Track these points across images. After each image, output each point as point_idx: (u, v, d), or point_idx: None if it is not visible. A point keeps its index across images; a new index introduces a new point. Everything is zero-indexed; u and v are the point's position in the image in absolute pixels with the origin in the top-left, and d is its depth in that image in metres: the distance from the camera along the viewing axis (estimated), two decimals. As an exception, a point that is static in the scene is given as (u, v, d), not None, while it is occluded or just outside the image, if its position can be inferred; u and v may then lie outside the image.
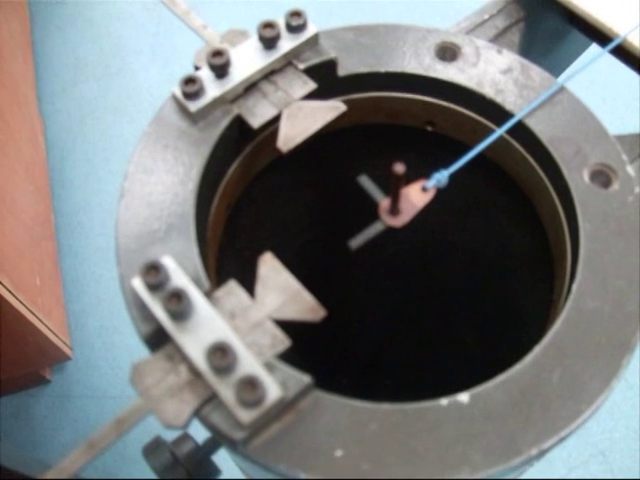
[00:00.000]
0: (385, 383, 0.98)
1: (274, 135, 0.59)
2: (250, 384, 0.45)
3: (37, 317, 1.52)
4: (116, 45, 2.26)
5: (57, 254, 1.86)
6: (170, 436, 0.62)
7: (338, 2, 2.28)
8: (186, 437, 0.63)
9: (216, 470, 0.65)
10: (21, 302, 1.46)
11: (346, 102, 0.61)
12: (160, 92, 2.08)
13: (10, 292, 1.41)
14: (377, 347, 0.99)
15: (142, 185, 0.56)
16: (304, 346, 0.56)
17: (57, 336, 1.63)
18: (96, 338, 1.78)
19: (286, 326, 0.49)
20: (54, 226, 1.90)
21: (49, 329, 1.59)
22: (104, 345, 1.77)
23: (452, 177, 0.55)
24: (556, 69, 0.87)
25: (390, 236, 0.54)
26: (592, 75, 0.65)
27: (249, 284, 0.51)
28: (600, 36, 0.74)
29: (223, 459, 0.66)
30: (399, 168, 0.49)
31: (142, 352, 0.49)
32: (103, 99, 2.15)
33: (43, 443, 1.68)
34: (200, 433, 0.56)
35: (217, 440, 0.60)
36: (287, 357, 0.48)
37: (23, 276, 1.53)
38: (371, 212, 0.54)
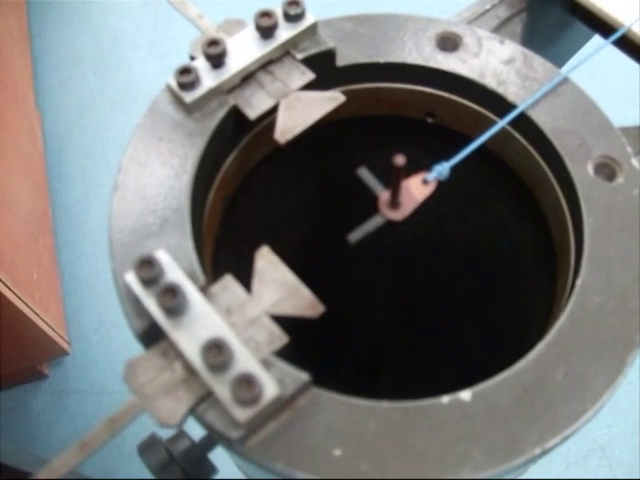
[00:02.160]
0: (384, 378, 0.97)
1: (271, 126, 0.58)
2: (246, 382, 0.44)
3: (34, 312, 1.52)
4: (113, 39, 2.25)
5: (55, 248, 1.86)
6: (166, 433, 0.62)
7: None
8: (182, 435, 0.62)
9: (212, 468, 0.65)
10: (18, 297, 1.45)
11: (345, 93, 0.60)
12: (158, 86, 2.04)
13: (7, 286, 1.40)
14: (376, 342, 0.99)
15: (136, 178, 0.55)
16: (302, 340, 0.55)
17: (55, 331, 1.63)
18: (94, 333, 1.77)
19: (283, 320, 0.48)
20: (52, 220, 1.89)
21: (46, 324, 1.58)
22: (102, 340, 1.76)
23: (453, 169, 0.54)
24: (558, 60, 0.86)
25: (390, 229, 0.53)
26: (595, 67, 0.64)
27: (246, 278, 0.50)
28: (603, 27, 0.73)
29: (220, 457, 0.65)
30: (399, 160, 0.48)
31: (140, 347, 0.49)
32: (100, 93, 2.14)
33: (40, 438, 1.68)
34: (197, 430, 0.55)
35: (213, 438, 0.59)
36: (284, 351, 0.47)
37: (20, 270, 1.53)
38: (371, 204, 0.53)
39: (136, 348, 0.48)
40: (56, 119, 2.11)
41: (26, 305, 1.48)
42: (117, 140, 2.03)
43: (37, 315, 1.53)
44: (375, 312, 0.94)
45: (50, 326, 1.60)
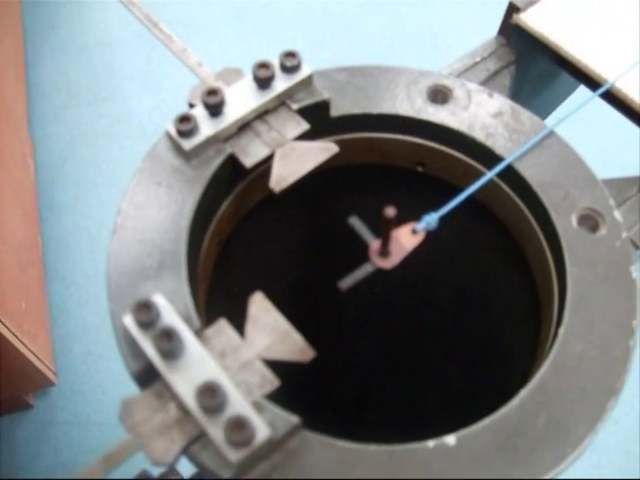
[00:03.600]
0: (370, 418, 0.98)
1: (266, 173, 0.60)
2: (239, 424, 0.45)
3: (22, 342, 1.51)
4: (108, 71, 2.26)
5: (43, 278, 1.86)
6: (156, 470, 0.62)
7: (328, 37, 2.30)
8: (173, 472, 0.63)
9: (202, 506, 0.65)
10: (6, 326, 1.45)
11: (338, 142, 0.62)
12: (151, 119, 2.08)
13: (-5, 316, 1.40)
14: (364, 382, 1.00)
15: (134, 221, 0.57)
16: (291, 380, 0.56)
17: (41, 361, 1.62)
18: (81, 364, 1.77)
19: (273, 361, 0.50)
20: (41, 250, 1.89)
21: (34, 354, 1.57)
22: (89, 371, 1.76)
23: (441, 218, 0.56)
24: (545, 110, 0.88)
25: (379, 275, 0.54)
26: (580, 116, 0.66)
27: (238, 319, 0.52)
28: (589, 79, 0.75)
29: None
30: (390, 212, 0.49)
31: (127, 379, 0.50)
32: (94, 124, 2.15)
33: (25, 468, 1.67)
34: (186, 468, 0.56)
35: (204, 477, 0.60)
36: (273, 391, 0.49)
37: (9, 300, 1.52)
38: (360, 250, 0.54)
39: (122, 380, 0.50)
40: (48, 148, 2.11)
41: (13, 335, 1.48)
42: (109, 172, 2.03)
43: (24, 345, 1.53)
44: (363, 354, 0.95)
45: (37, 356, 1.59)
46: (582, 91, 0.78)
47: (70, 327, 1.82)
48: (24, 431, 1.72)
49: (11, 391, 1.64)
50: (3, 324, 1.44)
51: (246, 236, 0.69)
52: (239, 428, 0.45)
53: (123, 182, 0.57)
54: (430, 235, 0.56)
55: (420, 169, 0.68)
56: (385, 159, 0.68)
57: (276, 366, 0.50)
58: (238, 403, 0.46)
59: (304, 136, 0.60)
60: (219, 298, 0.66)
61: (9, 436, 1.71)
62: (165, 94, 2.17)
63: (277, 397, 0.49)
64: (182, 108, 0.59)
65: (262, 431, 0.45)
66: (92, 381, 1.75)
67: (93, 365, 1.76)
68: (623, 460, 1.61)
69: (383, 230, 0.52)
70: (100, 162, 2.07)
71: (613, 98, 0.72)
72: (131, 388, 0.50)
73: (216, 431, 0.46)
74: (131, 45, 2.31)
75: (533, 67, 0.80)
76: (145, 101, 2.18)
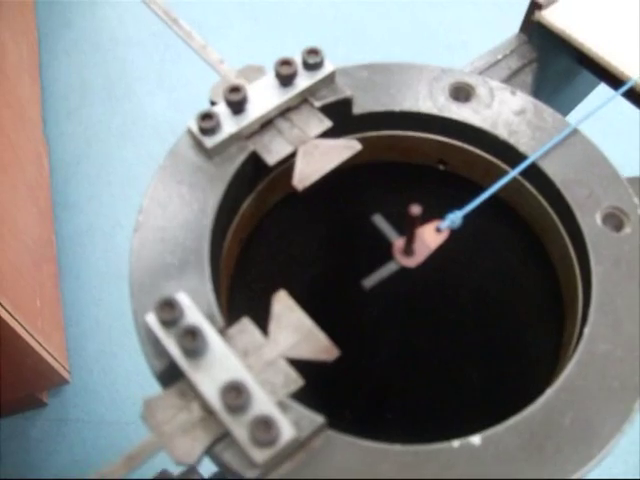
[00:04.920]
0: (388, 418, 0.98)
1: (288, 171, 0.60)
2: (264, 423, 0.45)
3: (36, 340, 1.51)
4: (122, 70, 2.27)
5: (58, 277, 1.86)
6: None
7: (343, 36, 2.30)
8: (193, 471, 0.63)
9: (222, 506, 0.65)
10: (20, 324, 1.45)
11: (360, 140, 0.62)
12: (165, 118, 2.09)
13: (10, 314, 1.40)
14: (383, 382, 0.99)
15: (156, 219, 0.56)
16: (311, 380, 0.56)
17: (56, 359, 1.62)
18: (95, 362, 1.77)
19: (294, 360, 0.49)
20: (55, 248, 1.90)
21: (48, 352, 1.58)
22: (102, 369, 1.76)
23: (464, 216, 0.55)
24: (566, 107, 0.88)
25: (401, 274, 0.54)
26: (602, 115, 0.65)
27: (259, 318, 0.51)
28: (610, 77, 0.75)
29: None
30: (415, 210, 0.49)
31: (140, 378, 0.49)
32: (108, 123, 2.16)
33: (38, 467, 1.67)
34: (206, 467, 0.55)
35: (226, 477, 0.60)
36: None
37: (23, 298, 1.53)
38: (381, 247, 0.54)
39: (136, 379, 0.49)
40: (63, 147, 2.12)
41: (28, 333, 1.48)
42: (123, 170, 2.04)
43: (39, 343, 1.53)
44: (384, 352, 0.95)
45: (51, 354, 1.60)
46: (600, 90, 0.78)
47: (84, 325, 1.82)
48: (38, 429, 1.72)
49: (25, 389, 1.64)
50: (17, 322, 1.44)
51: (267, 234, 0.69)
52: (264, 428, 0.45)
53: (137, 181, 0.56)
54: (452, 234, 0.56)
55: (442, 167, 0.68)
56: (407, 157, 0.68)
57: (294, 366, 0.49)
58: (262, 402, 0.46)
59: (326, 134, 0.60)
60: (240, 296, 0.65)
61: (23, 434, 1.71)
62: (179, 93, 2.17)
63: (294, 396, 0.48)
64: (196, 107, 0.59)
65: (287, 431, 0.45)
66: (106, 380, 1.75)
67: (107, 364, 1.76)
68: (637, 462, 1.60)
69: (407, 228, 0.52)
70: (114, 161, 2.07)
71: (635, 96, 0.72)
72: (145, 387, 0.49)
73: (241, 431, 0.45)
74: (145, 44, 2.32)
75: (554, 65, 0.79)
76: (159, 100, 2.18)
